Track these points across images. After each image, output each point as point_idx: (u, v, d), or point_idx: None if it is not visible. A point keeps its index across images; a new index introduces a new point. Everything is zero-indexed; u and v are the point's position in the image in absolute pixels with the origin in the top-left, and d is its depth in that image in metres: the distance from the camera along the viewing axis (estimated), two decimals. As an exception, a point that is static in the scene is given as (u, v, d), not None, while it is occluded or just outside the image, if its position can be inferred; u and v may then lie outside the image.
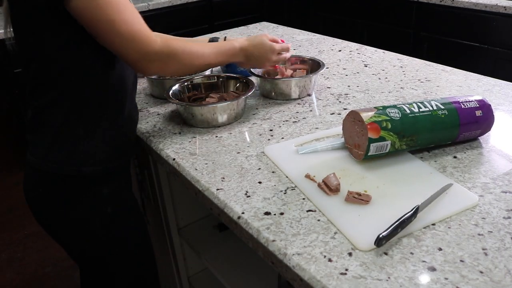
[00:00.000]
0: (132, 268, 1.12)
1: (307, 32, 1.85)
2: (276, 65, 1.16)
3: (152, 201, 1.35)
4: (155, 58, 0.87)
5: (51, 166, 0.91)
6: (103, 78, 0.90)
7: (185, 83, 1.17)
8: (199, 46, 0.97)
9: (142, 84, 1.37)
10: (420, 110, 0.84)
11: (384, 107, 0.83)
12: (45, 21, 0.81)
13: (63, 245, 1.07)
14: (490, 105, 0.89)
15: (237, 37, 1.08)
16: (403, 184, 0.78)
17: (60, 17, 0.80)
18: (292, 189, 0.80)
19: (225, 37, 1.34)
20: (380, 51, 1.54)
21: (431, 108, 0.84)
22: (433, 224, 0.68)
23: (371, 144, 0.80)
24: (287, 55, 1.12)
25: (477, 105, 0.88)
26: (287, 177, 0.83)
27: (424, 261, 0.61)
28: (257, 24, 2.07)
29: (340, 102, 1.15)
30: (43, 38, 0.83)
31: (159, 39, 0.87)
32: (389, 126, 0.80)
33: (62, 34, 0.83)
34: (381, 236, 0.62)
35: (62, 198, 0.95)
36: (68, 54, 0.84)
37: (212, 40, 1.29)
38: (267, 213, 0.73)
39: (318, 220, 0.71)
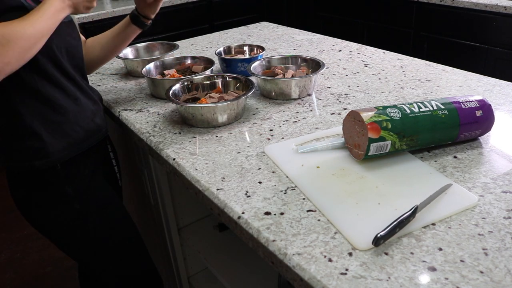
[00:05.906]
0: (119, 263, 1.16)
1: (307, 32, 1.85)
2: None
3: (152, 201, 1.34)
4: None
5: (10, 165, 0.98)
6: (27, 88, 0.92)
7: (185, 83, 1.17)
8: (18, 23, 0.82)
9: (142, 84, 1.37)
10: (420, 110, 0.84)
11: (384, 107, 0.83)
12: None
13: (54, 243, 1.11)
14: (490, 105, 0.89)
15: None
16: (403, 184, 0.78)
17: None
18: (292, 189, 0.79)
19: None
20: (380, 51, 1.54)
21: (431, 108, 0.84)
22: (433, 224, 0.68)
23: (371, 144, 0.80)
24: None
25: (477, 105, 0.88)
26: (287, 177, 0.83)
27: (424, 261, 0.61)
28: (257, 24, 2.07)
29: (340, 102, 1.15)
30: None
31: None
32: (389, 126, 0.80)
33: None
34: (379, 235, 0.62)
35: (35, 198, 1.01)
36: None
37: None
38: (267, 213, 0.73)
39: (318, 220, 0.71)
